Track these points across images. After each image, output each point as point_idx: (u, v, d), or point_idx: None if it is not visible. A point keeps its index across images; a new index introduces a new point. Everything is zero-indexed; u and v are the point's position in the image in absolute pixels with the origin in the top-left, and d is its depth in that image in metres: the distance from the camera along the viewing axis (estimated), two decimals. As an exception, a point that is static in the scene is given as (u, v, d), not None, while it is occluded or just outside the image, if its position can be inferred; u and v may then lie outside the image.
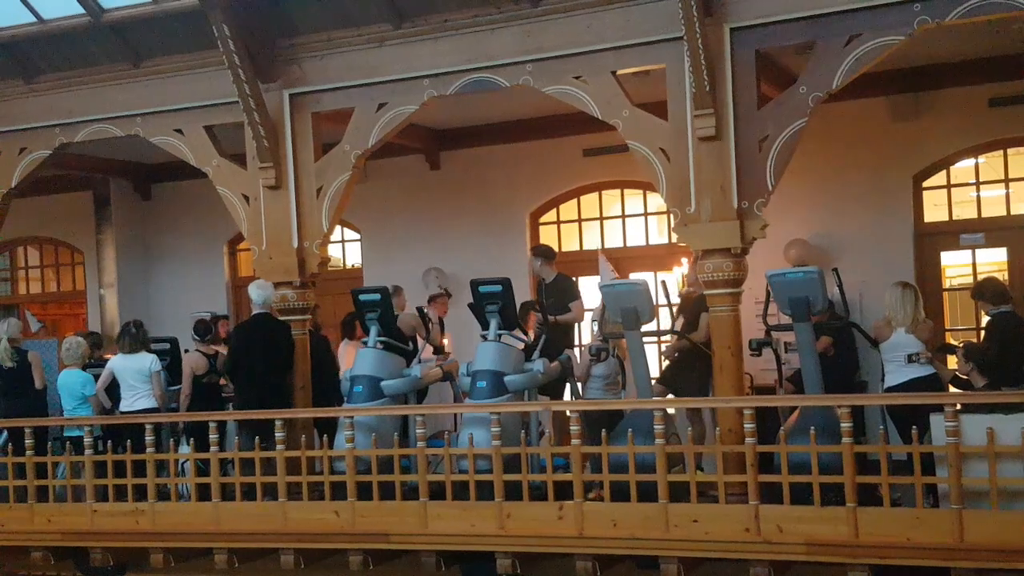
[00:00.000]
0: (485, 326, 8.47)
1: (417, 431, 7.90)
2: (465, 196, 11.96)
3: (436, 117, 10.81)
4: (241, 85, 8.60)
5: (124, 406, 9.09)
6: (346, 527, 7.94)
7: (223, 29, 8.36)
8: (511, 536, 7.53)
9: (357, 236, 12.85)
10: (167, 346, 9.93)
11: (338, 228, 11.70)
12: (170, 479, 8.57)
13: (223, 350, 9.43)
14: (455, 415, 9.48)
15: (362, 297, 8.92)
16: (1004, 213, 10.40)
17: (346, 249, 13.14)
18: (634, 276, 10.38)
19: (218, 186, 9.24)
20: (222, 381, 9.37)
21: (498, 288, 8.39)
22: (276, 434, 8.12)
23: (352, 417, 8.13)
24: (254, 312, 8.94)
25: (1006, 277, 10.06)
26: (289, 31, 8.83)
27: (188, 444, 8.59)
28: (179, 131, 9.33)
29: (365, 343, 8.82)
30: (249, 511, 8.22)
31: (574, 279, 9.49)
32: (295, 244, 8.90)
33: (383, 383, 8.53)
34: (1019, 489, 6.52)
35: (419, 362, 8.84)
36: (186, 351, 9.66)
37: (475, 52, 8.30)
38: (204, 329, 9.51)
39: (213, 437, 8.29)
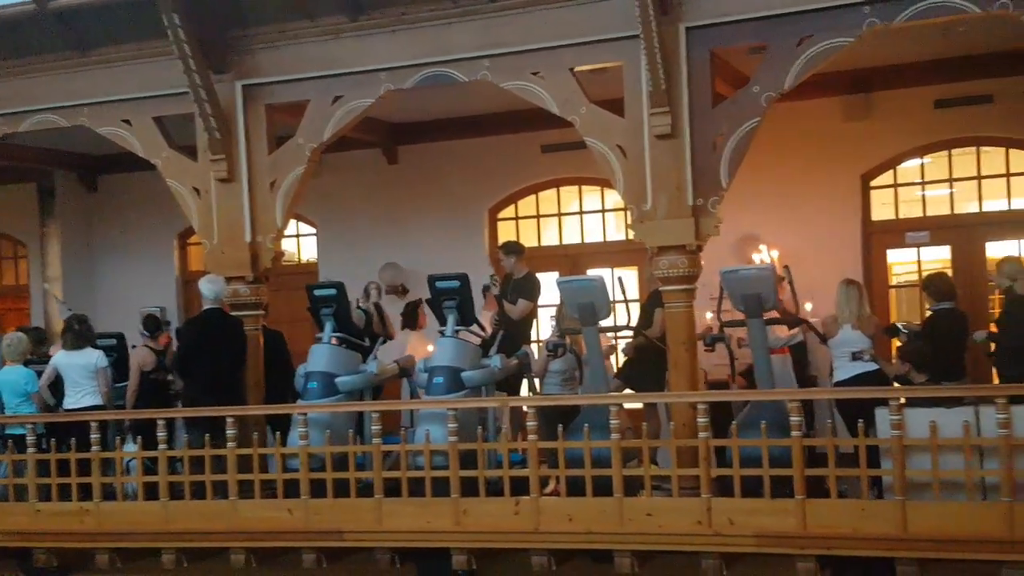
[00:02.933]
0: (443, 322, 8.47)
1: (372, 427, 7.88)
2: (423, 191, 11.93)
3: (393, 111, 10.77)
4: (192, 76, 8.48)
5: (69, 403, 8.92)
6: (299, 525, 7.89)
7: (173, 18, 8.23)
8: (467, 532, 7.55)
9: (312, 230, 12.77)
10: (114, 342, 9.77)
11: (293, 222, 11.60)
12: (116, 478, 8.44)
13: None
14: (410, 411, 9.47)
15: (317, 292, 8.87)
16: (948, 212, 10.64)
17: (301, 243, 13.06)
18: (591, 272, 10.43)
19: (167, 178, 9.11)
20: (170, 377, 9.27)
21: (456, 284, 8.39)
22: (227, 431, 8.04)
23: (306, 414, 8.08)
24: (205, 307, 8.82)
25: (950, 274, 10.25)
26: (242, 21, 8.72)
27: (135, 442, 8.46)
28: (127, 122, 9.17)
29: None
30: (198, 510, 8.13)
31: (536, 282, 9.52)
32: (248, 238, 8.81)
33: (338, 379, 8.48)
34: (960, 481, 6.69)
35: (375, 358, 8.82)
36: (133, 347, 9.52)
37: (433, 46, 8.27)
38: (153, 324, 9.39)
39: (161, 435, 8.19)
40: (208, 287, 8.71)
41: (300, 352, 9.24)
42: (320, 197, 11.41)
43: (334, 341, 8.71)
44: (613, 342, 9.15)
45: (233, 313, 8.84)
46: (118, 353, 9.62)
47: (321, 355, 8.64)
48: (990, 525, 6.53)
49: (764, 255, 10.10)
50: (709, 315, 8.76)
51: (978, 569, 6.65)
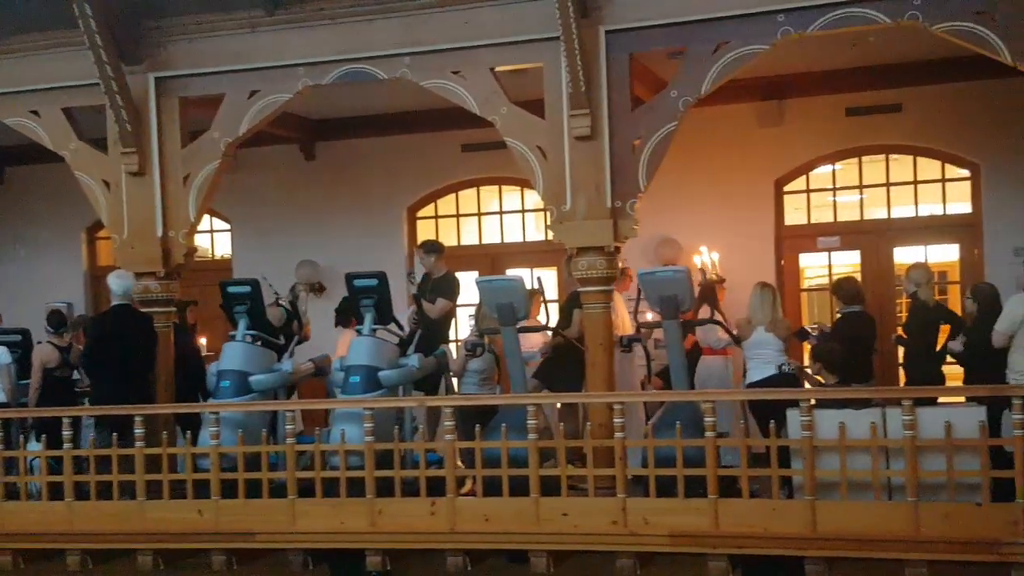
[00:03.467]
0: (360, 320, 8.39)
1: (287, 427, 7.77)
2: (341, 188, 11.83)
3: (311, 107, 10.65)
4: (103, 67, 8.26)
5: (-28, 401, 8.65)
6: (209, 526, 7.76)
7: (85, 8, 8.00)
8: (382, 533, 7.51)
9: (227, 226, 12.56)
10: (18, 338, 9.49)
11: (206, 218, 11.43)
12: (20, 477, 8.19)
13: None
14: (325, 411, 9.38)
15: (230, 289, 8.72)
16: (858, 218, 10.91)
17: (215, 239, 12.83)
18: (511, 272, 10.45)
19: (76, 171, 8.86)
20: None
21: (374, 282, 8.33)
22: (135, 430, 7.87)
23: (218, 413, 7.94)
24: (113, 303, 8.61)
25: (859, 279, 10.51)
26: (156, 12, 8.52)
27: (39, 441, 8.21)
28: (35, 113, 8.89)
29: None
30: (105, 510, 7.95)
31: (456, 281, 9.49)
32: (159, 233, 8.62)
33: (252, 378, 8.36)
34: (867, 481, 6.84)
35: (290, 356, 8.70)
36: (39, 343, 9.25)
37: (352, 42, 8.19)
38: (58, 320, 9.14)
39: (66, 433, 7.98)
40: (117, 283, 8.50)
41: (212, 350, 9.08)
42: (235, 193, 11.22)
43: (248, 339, 8.57)
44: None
45: (143, 310, 8.63)
46: (23, 350, 9.34)
47: (234, 353, 8.51)
48: (895, 524, 6.70)
49: (705, 257, 10.20)
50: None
51: (883, 567, 6.82)
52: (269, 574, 7.85)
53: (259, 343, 8.68)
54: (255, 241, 12.08)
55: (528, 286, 8.40)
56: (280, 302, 9.80)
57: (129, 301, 8.55)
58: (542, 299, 8.78)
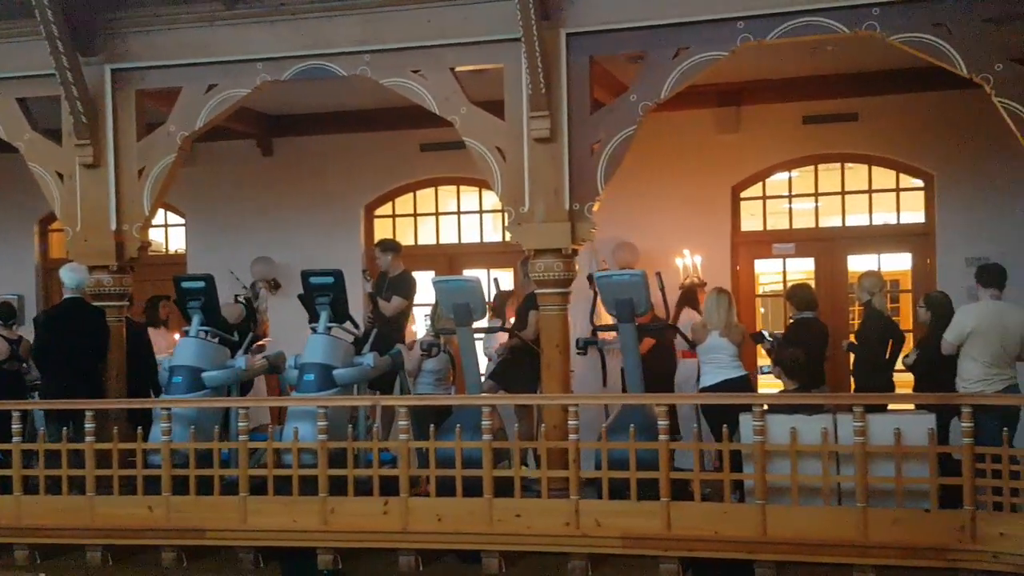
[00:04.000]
0: (315, 318, 8.35)
1: (239, 424, 7.71)
2: (298, 185, 11.75)
3: (270, 102, 10.58)
4: (59, 57, 8.15)
5: (-82, 393, 8.47)
6: (159, 522, 7.69)
7: (42, -2, 7.91)
8: (334, 532, 7.47)
9: (182, 221, 12.42)
10: (-32, 330, 9.32)
11: (161, 212, 11.32)
12: (-33, 472, 8.07)
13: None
14: (276, 409, 9.32)
15: (184, 284, 8.63)
16: (813, 225, 11.02)
17: (169, 234, 12.69)
18: (468, 273, 10.44)
19: (30, 162, 8.74)
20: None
21: (330, 280, 8.30)
22: (86, 425, 7.78)
23: (170, 409, 7.86)
24: (65, 296, 8.49)
25: (813, 285, 10.63)
26: (114, 3, 8.41)
27: (-14, 434, 8.09)
28: (-11, 102, 8.79)
29: (187, 332, 8.54)
30: (53, 505, 7.84)
31: (412, 281, 9.47)
32: (113, 226, 8.53)
33: (204, 374, 8.29)
34: (818, 486, 6.92)
35: (244, 353, 8.63)
36: (-10, 336, 9.09)
37: (312, 38, 8.15)
38: (8, 312, 9.00)
39: (16, 427, 7.87)
40: (69, 276, 8.39)
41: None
42: (190, 187, 11.11)
43: (202, 335, 8.49)
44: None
45: (96, 303, 8.52)
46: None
47: (187, 349, 8.42)
48: (845, 530, 6.77)
49: (687, 260, 10.25)
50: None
51: (832, 572, 6.89)
52: (219, 571, 7.80)
53: (215, 339, 8.59)
54: (210, 236, 11.97)
55: (485, 287, 8.40)
56: (239, 298, 9.73)
57: (81, 294, 8.44)
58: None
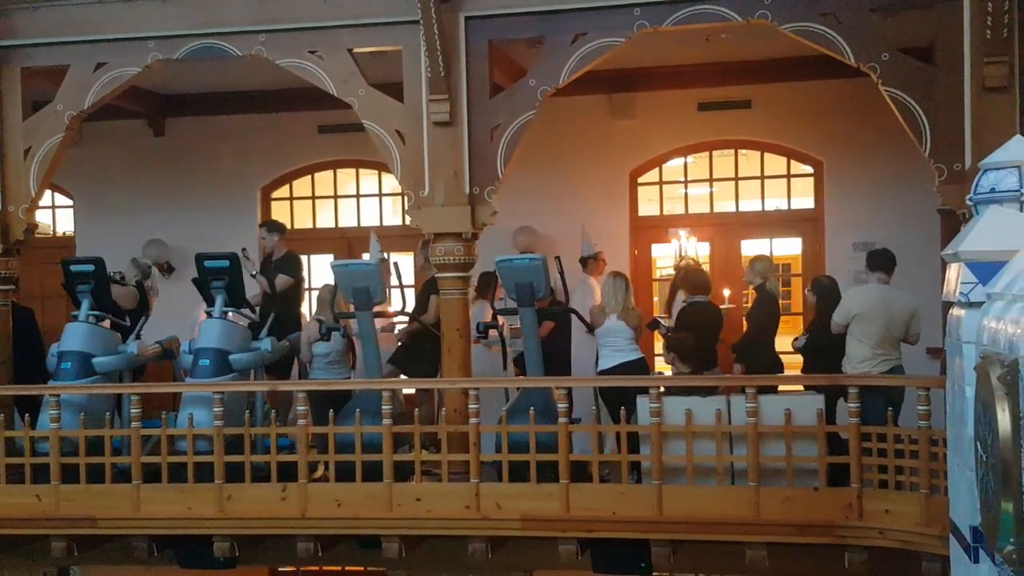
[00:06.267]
0: (211, 302, 8.19)
1: (132, 411, 7.54)
2: (192, 166, 11.48)
3: (162, 81, 10.30)
4: (-62, 33, 7.83)
5: None
6: (48, 511, 7.52)
7: (-80, -31, 7.57)
8: (231, 519, 7.38)
9: (70, 202, 12.03)
10: None
11: (48, 193, 10.96)
12: None
13: None
14: (172, 395, 9.11)
15: (73, 268, 8.37)
16: (708, 211, 11.24)
17: (57, 216, 12.27)
18: (367, 256, 10.34)
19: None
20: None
21: (225, 263, 8.15)
22: (-30, 412, 7.53)
23: (59, 395, 7.63)
24: (-53, 280, 8.18)
25: (709, 270, 10.85)
26: (-3, -23, 8.12)
27: None
28: None
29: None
30: (-65, 496, 7.58)
31: (298, 260, 9.34)
32: (-2, 208, 8.24)
33: (95, 360, 8.07)
34: (712, 466, 7.09)
35: (137, 338, 8.42)
36: None
37: (206, 17, 7.96)
38: None
39: None
40: (-50, 259, 8.06)
41: (53, 330, 8.71)
42: (79, 168, 10.79)
43: (92, 319, 8.26)
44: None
45: (-21, 288, 8.22)
46: None
47: (76, 334, 8.19)
48: (737, 508, 6.97)
49: (684, 242, 10.29)
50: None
51: (725, 549, 7.09)
52: (112, 562, 7.64)
53: (106, 323, 8.36)
54: (100, 218, 11.61)
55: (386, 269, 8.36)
56: (118, 278, 9.40)
57: (-36, 279, 8.12)
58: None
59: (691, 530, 7.05)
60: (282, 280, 8.98)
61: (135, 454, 7.45)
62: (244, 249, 9.26)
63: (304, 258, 10.91)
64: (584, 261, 9.86)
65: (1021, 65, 6.85)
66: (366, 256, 9.84)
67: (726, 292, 9.85)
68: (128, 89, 8.48)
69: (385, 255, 9.41)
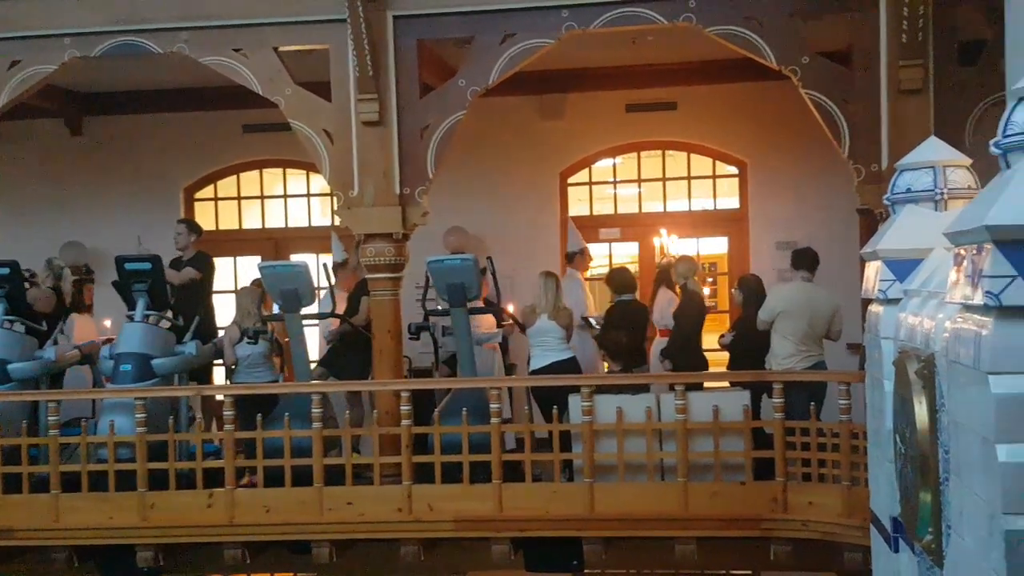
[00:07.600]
0: (131, 306, 7.99)
1: (49, 418, 7.33)
2: (111, 166, 11.20)
3: (80, 79, 10.03)
4: None
5: None
6: (-37, 524, 7.24)
7: None
8: (154, 527, 7.23)
9: (-19, 204, 11.65)
10: None
11: (-42, 194, 10.61)
12: None
13: None
14: (93, 401, 8.87)
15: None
16: (637, 211, 11.33)
17: (-33, 218, 11.87)
18: (295, 258, 10.21)
19: None
20: None
21: (147, 266, 7.96)
22: None
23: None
24: None
25: (637, 269, 10.94)
26: (-99, -30, 7.82)
27: None
28: None
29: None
30: None
31: (209, 260, 9.12)
32: (-96, 209, 7.95)
33: (11, 366, 7.82)
34: (643, 463, 7.14)
35: (54, 343, 8.17)
36: None
37: (125, 13, 7.77)
38: None
39: None
40: None
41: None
42: (-8, 168, 10.46)
43: (6, 324, 8.00)
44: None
45: None
46: None
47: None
48: (667, 504, 7.03)
49: (665, 239, 10.26)
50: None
51: (656, 545, 7.15)
52: (31, 573, 7.42)
53: (23, 329, 8.10)
54: (14, 220, 11.25)
55: (313, 272, 8.24)
56: (35, 281, 9.12)
57: None
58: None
59: (622, 527, 7.10)
60: (188, 272, 8.73)
61: (53, 463, 7.25)
62: (139, 236, 9.04)
63: (230, 260, 10.74)
64: (571, 256, 9.88)
65: (936, 68, 7.04)
66: (294, 258, 9.72)
67: (706, 291, 9.91)
68: (44, 87, 8.23)
69: (347, 255, 9.27)
